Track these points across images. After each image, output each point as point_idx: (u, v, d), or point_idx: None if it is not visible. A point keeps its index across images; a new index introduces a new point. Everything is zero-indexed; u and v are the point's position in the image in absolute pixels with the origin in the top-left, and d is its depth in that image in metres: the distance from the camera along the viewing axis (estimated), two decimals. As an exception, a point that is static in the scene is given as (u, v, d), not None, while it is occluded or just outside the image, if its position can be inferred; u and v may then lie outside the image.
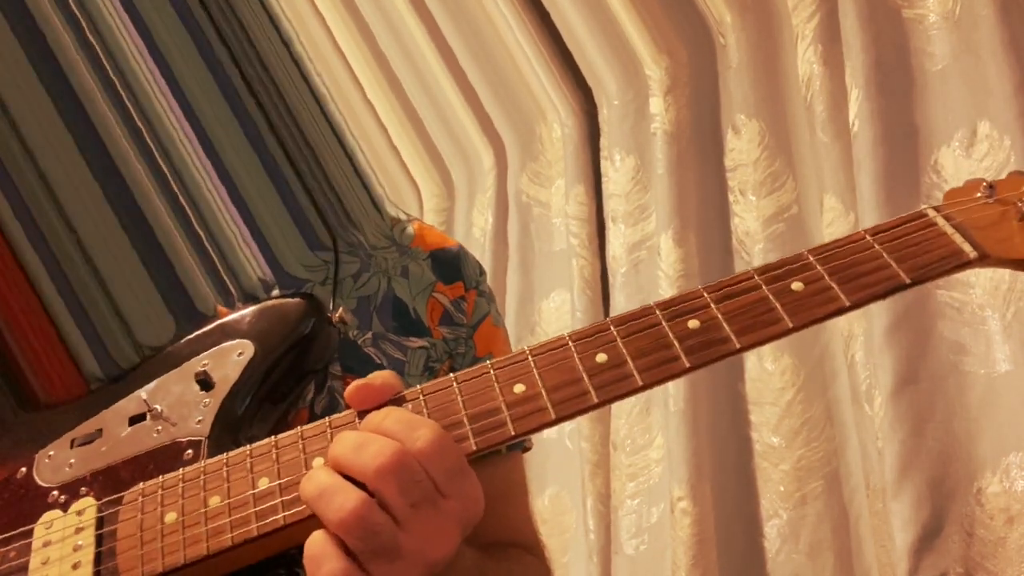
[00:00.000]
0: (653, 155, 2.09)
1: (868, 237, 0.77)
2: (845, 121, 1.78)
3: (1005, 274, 1.57)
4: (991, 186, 0.79)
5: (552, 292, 2.28)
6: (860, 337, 1.71)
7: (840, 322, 1.75)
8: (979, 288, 1.61)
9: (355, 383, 0.75)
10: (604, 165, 2.23)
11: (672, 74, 2.12)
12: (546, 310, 2.28)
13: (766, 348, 1.82)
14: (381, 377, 0.76)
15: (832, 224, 1.79)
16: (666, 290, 1.96)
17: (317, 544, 0.67)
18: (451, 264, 1.10)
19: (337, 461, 0.69)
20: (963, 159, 1.66)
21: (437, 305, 1.07)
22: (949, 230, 0.77)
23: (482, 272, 1.14)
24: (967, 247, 0.75)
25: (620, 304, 2.08)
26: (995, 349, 1.57)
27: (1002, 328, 1.57)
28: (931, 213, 0.78)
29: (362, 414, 0.75)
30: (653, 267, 2.04)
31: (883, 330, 1.62)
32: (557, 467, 2.14)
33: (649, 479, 1.97)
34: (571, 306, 2.17)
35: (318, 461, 0.73)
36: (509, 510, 1.05)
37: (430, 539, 0.67)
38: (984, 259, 0.76)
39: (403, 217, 1.13)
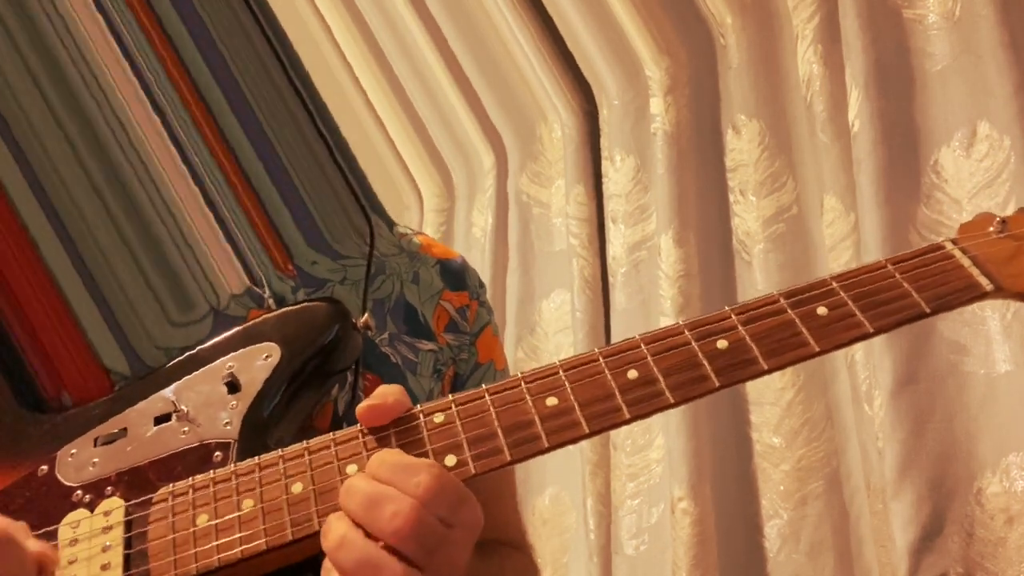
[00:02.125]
0: (653, 155, 2.09)
1: (889, 266, 0.80)
2: (845, 121, 1.78)
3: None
4: (1003, 221, 0.82)
5: (552, 292, 2.28)
6: (860, 337, 1.71)
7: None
8: (979, 288, 1.61)
9: (366, 404, 0.77)
10: (604, 165, 2.23)
11: (672, 74, 2.12)
12: (546, 310, 2.28)
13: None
14: (393, 395, 0.78)
15: (832, 224, 1.79)
16: (666, 290, 1.96)
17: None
18: (456, 274, 1.14)
19: (354, 517, 0.70)
20: (963, 159, 1.66)
21: (444, 313, 1.10)
22: (966, 263, 0.79)
23: (482, 284, 1.18)
24: (983, 280, 0.78)
25: (620, 304, 2.08)
26: (995, 349, 1.58)
27: (1002, 328, 1.58)
28: (949, 246, 0.81)
29: (375, 430, 0.77)
30: (653, 267, 2.04)
31: (883, 330, 1.62)
32: (557, 467, 2.14)
33: (649, 479, 1.97)
34: (571, 306, 2.17)
35: (352, 468, 0.75)
36: (499, 509, 1.06)
37: (445, 572, 0.70)
38: (999, 292, 0.78)
39: (407, 232, 1.16)
